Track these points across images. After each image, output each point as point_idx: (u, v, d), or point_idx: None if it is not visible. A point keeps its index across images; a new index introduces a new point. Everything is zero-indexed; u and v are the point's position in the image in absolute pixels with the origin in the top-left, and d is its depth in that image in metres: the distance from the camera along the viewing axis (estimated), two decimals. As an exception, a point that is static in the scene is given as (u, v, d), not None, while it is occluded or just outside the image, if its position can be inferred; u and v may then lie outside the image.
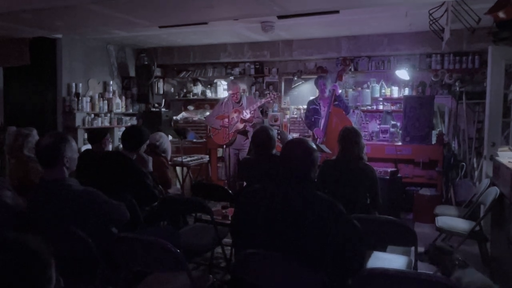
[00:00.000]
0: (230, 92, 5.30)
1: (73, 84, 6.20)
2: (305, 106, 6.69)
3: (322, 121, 4.91)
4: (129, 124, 6.79)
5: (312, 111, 5.12)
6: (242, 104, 5.23)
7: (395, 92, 6.26)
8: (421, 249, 2.55)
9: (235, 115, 5.17)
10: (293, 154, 1.98)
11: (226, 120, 5.10)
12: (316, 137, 4.93)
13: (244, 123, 5.14)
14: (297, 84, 6.94)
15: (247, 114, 5.09)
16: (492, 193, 3.40)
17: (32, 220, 2.26)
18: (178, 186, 5.75)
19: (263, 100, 5.44)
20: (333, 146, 4.42)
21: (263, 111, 6.71)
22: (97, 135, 3.95)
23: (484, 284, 2.21)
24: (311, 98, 5.42)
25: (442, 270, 2.36)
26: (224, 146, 5.31)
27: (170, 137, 6.67)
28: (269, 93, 5.66)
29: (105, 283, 2.26)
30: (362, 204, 3.15)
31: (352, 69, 6.35)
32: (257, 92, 7.10)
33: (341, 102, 4.99)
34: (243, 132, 5.17)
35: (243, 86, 5.38)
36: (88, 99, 6.33)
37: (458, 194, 5.33)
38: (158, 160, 3.83)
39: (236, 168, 5.15)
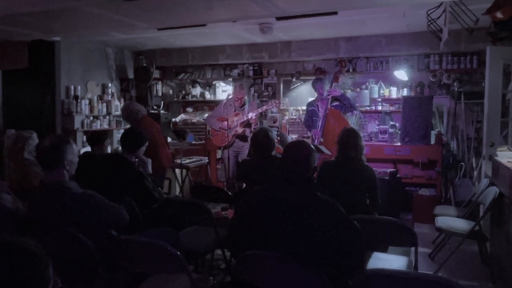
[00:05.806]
0: (236, 95, 5.26)
1: (72, 87, 6.19)
2: (304, 107, 6.72)
3: (320, 122, 4.92)
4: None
5: (311, 112, 5.13)
6: (244, 109, 5.23)
7: (393, 92, 6.28)
8: (421, 249, 2.55)
9: (235, 118, 5.16)
10: (293, 155, 1.99)
11: (226, 123, 5.09)
12: (314, 137, 4.94)
13: (243, 128, 5.13)
14: (295, 85, 6.95)
15: (248, 117, 5.09)
16: (491, 193, 3.40)
17: (31, 223, 2.26)
18: (178, 188, 5.74)
19: (265, 107, 5.47)
20: (330, 147, 4.42)
21: (263, 113, 6.72)
22: (99, 138, 3.95)
23: None
24: (310, 100, 5.43)
25: None
26: (222, 148, 5.30)
27: (170, 139, 6.67)
28: (271, 100, 5.66)
29: (105, 285, 2.26)
30: (362, 205, 3.15)
31: (351, 70, 6.36)
32: (256, 94, 7.10)
33: (345, 100, 5.04)
34: (242, 137, 5.15)
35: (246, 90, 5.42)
36: (87, 101, 6.33)
37: (457, 194, 5.34)
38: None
39: (235, 170, 5.15)
